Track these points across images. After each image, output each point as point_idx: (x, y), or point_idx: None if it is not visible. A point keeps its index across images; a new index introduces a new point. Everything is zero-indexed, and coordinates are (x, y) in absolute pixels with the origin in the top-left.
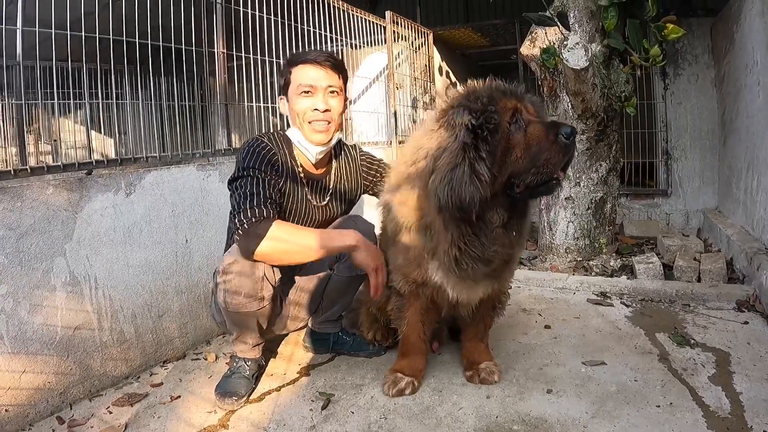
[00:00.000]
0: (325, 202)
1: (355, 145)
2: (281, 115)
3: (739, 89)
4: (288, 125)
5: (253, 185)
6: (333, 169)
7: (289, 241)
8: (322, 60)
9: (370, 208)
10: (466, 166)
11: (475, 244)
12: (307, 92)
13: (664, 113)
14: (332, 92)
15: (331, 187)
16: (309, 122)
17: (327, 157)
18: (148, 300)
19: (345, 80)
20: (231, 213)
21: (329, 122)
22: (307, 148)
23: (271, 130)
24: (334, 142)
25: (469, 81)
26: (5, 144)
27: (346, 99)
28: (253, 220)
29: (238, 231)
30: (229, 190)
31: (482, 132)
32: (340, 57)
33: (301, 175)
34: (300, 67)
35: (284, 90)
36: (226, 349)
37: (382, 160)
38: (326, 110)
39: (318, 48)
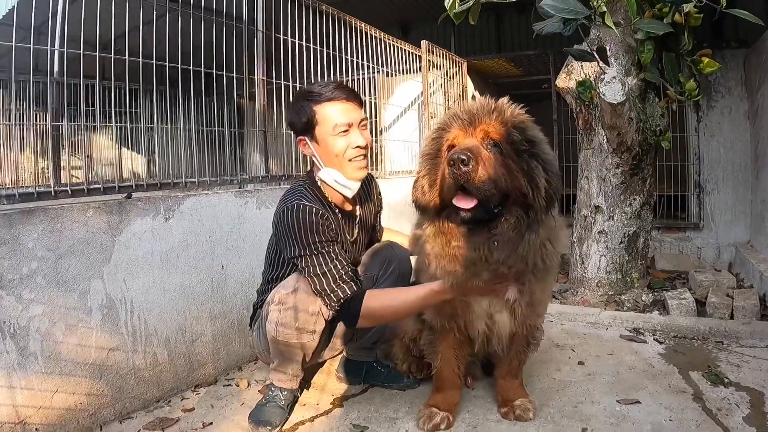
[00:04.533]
0: (354, 237)
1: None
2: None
3: None
4: (307, 178)
5: (322, 263)
6: (358, 201)
7: (383, 317)
8: (349, 96)
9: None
10: (419, 176)
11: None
12: (345, 131)
13: (696, 146)
14: (363, 125)
15: (358, 220)
16: (350, 160)
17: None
18: (182, 324)
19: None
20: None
21: (366, 155)
22: (346, 185)
23: (298, 183)
24: None
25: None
26: (37, 158)
27: None
28: (338, 307)
29: (333, 308)
30: (293, 262)
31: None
32: (375, 84)
33: (339, 216)
34: (328, 105)
35: (308, 130)
36: (258, 375)
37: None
38: (366, 145)
39: (346, 74)
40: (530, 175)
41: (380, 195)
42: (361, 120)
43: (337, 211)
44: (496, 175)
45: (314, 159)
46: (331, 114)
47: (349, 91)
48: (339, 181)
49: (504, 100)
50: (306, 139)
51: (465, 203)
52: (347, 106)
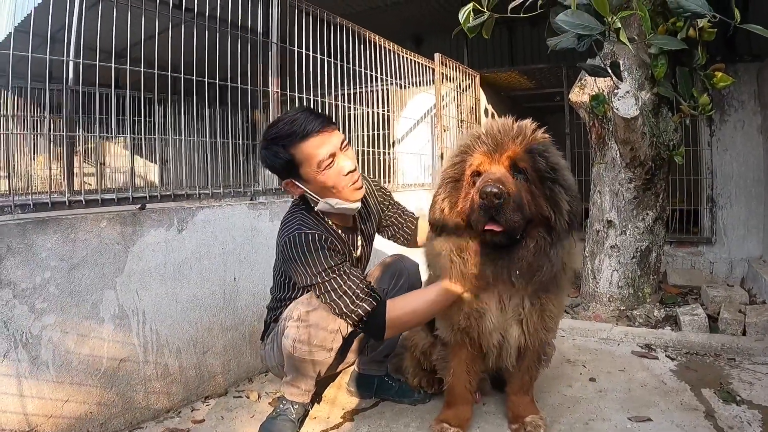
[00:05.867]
0: (359, 253)
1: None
2: None
3: None
4: (302, 203)
5: (336, 288)
6: (359, 218)
7: (408, 322)
8: (322, 124)
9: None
10: (438, 198)
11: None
12: (331, 163)
13: (709, 160)
14: (345, 147)
15: (360, 233)
16: (347, 185)
17: None
18: (194, 336)
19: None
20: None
21: (359, 173)
22: (349, 207)
23: (294, 209)
24: None
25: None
26: (50, 165)
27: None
28: (361, 325)
29: (357, 326)
30: (307, 289)
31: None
32: (387, 96)
33: (343, 236)
34: (304, 145)
35: (291, 173)
36: (269, 387)
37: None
38: (355, 167)
39: (359, 86)
40: (554, 200)
41: (380, 195)
42: (342, 143)
43: (340, 231)
44: (524, 204)
45: (307, 196)
46: (311, 152)
47: (316, 117)
48: (340, 206)
49: (527, 123)
50: (293, 180)
51: (495, 227)
52: (323, 136)
